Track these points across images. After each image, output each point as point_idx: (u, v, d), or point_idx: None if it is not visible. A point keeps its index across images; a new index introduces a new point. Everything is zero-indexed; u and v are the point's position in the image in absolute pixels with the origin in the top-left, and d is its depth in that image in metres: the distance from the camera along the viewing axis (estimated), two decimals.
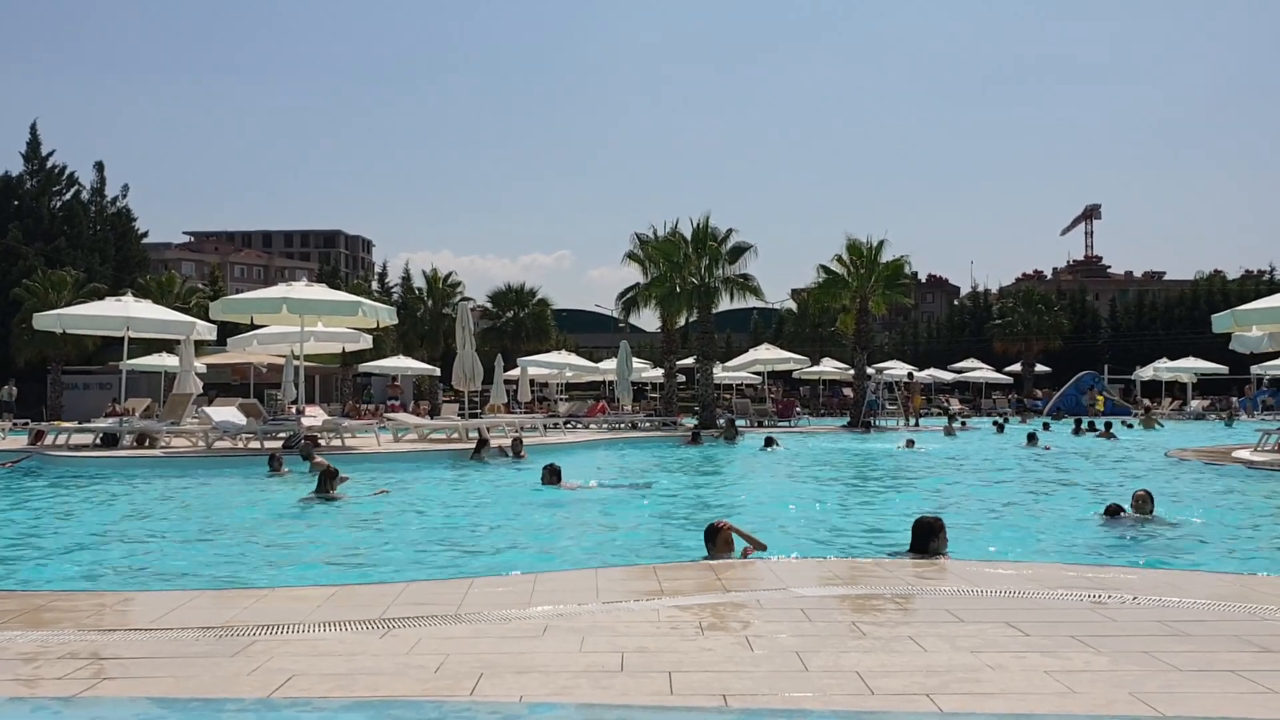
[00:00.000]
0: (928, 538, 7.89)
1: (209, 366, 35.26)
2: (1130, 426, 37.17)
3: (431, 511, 13.13)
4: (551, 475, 14.95)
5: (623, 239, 78.32)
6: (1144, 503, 11.30)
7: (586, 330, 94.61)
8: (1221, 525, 11.59)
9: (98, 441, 22.15)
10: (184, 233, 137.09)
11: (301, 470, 16.86)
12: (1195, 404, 52.62)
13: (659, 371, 42.03)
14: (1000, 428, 33.97)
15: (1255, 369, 46.97)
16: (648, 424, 33.71)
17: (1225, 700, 4.01)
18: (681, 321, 38.88)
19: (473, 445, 20.16)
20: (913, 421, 39.34)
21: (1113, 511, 11.26)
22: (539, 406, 42.75)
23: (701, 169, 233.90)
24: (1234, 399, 53.46)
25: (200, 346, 30.55)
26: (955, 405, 54.49)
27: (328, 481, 13.77)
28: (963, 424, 38.78)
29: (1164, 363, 53.56)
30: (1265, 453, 19.53)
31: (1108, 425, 34.53)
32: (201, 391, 27.03)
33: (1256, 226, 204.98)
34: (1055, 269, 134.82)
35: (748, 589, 6.45)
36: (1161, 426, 37.62)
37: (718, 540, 8.04)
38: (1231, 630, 5.15)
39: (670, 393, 37.71)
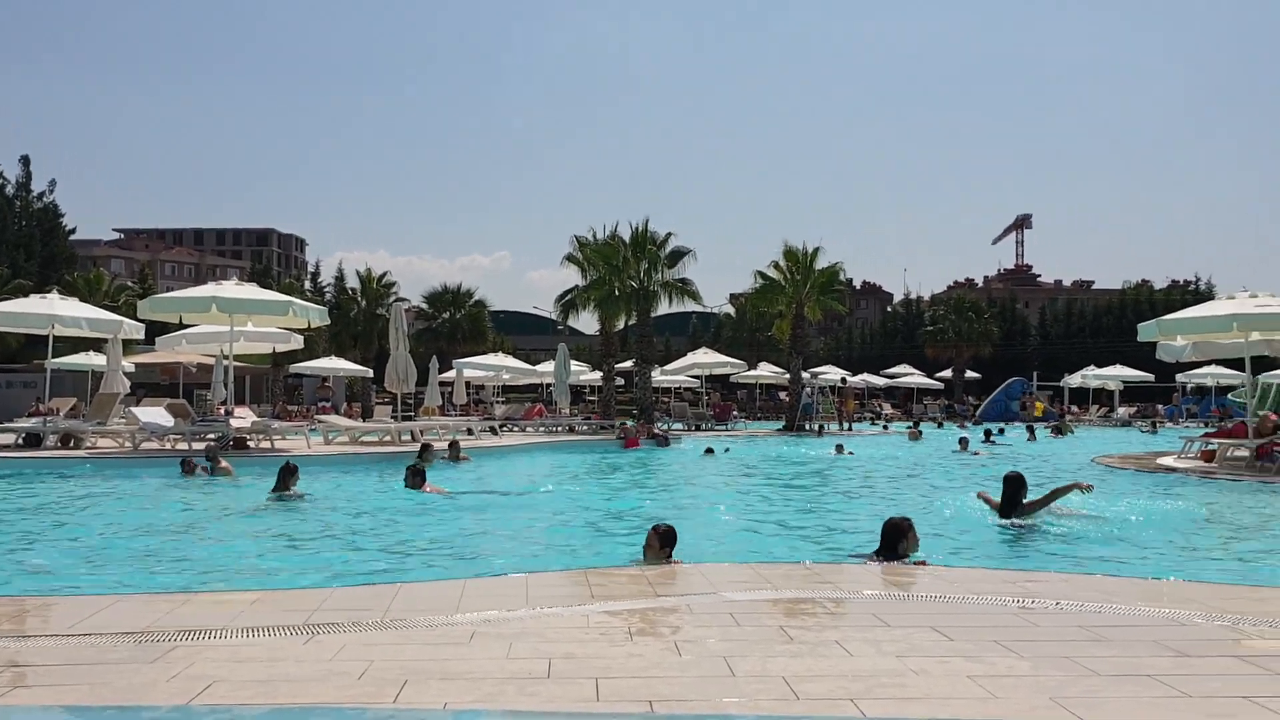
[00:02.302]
0: (896, 539, 8.07)
1: (137, 366, 34.64)
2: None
3: (363, 516, 12.96)
4: (415, 477, 14.44)
5: (563, 241, 78.19)
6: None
7: (525, 332, 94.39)
8: (1144, 531, 11.81)
9: (20, 442, 21.63)
10: (114, 230, 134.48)
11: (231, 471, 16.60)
12: (1122, 411, 53.74)
13: (597, 374, 42.04)
14: (885, 426, 34.40)
15: (1180, 377, 48.03)
16: (585, 427, 33.67)
17: (1143, 705, 4.07)
18: (620, 324, 38.93)
19: (398, 447, 19.99)
20: (846, 426, 39.83)
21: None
22: (475, 409, 42.48)
23: (642, 172, 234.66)
24: (1160, 406, 54.67)
25: (128, 345, 29.91)
26: (887, 410, 55.22)
27: (287, 479, 13.67)
28: (886, 426, 40.38)
29: (1092, 370, 54.60)
30: (1188, 459, 20.00)
31: (1029, 429, 35.64)
32: (129, 391, 26.55)
33: (1183, 238, 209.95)
34: (986, 277, 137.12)
35: (678, 594, 6.45)
36: (1073, 433, 38.37)
37: (652, 543, 8.05)
38: (1151, 635, 5.24)
39: (609, 396, 37.74)
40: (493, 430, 30.65)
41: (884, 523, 8.41)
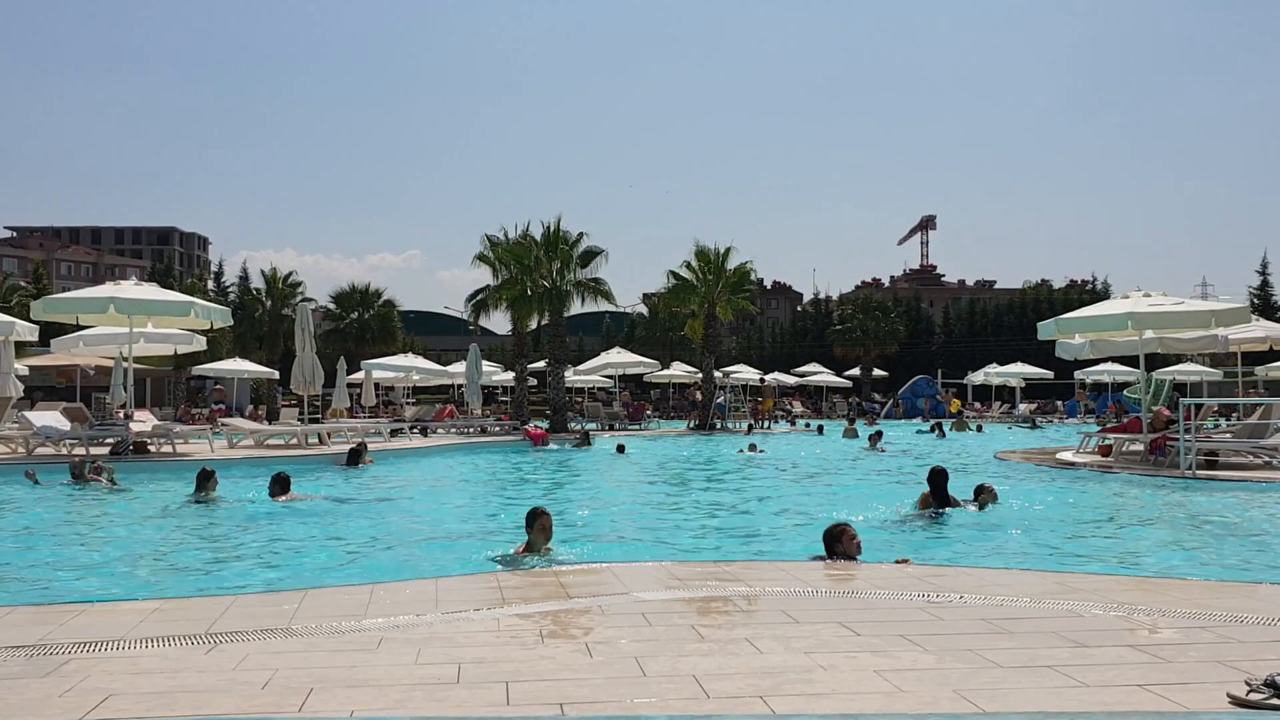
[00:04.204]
0: (831, 544, 8.14)
1: (31, 369, 33.53)
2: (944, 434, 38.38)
3: (268, 521, 12.70)
4: (279, 486, 13.93)
5: (475, 239, 77.60)
6: (985, 495, 12.47)
7: (436, 333, 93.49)
8: (1043, 524, 12.13)
9: None
10: (6, 227, 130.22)
11: (130, 476, 16.16)
12: (1023, 407, 55.12)
13: (510, 375, 41.83)
14: (792, 423, 35.48)
15: (1078, 374, 49.42)
16: (497, 428, 33.47)
17: (1042, 694, 4.18)
18: (533, 324, 38.80)
19: (304, 450, 19.66)
20: (765, 424, 40.40)
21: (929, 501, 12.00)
22: (384, 411, 41.96)
23: (554, 171, 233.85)
24: (1059, 403, 56.25)
25: (21, 348, 28.95)
26: (798, 408, 55.97)
27: (205, 483, 13.59)
28: (793, 423, 41.85)
29: (994, 368, 55.92)
30: (1086, 454, 20.57)
31: (938, 425, 36.44)
32: (23, 395, 25.66)
33: (1081, 238, 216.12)
34: (893, 277, 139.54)
35: (590, 595, 6.44)
36: (969, 429, 39.25)
37: (534, 526, 8.16)
38: (1051, 627, 5.38)
39: (521, 396, 37.55)
40: (423, 431, 30.41)
41: (823, 531, 8.48)
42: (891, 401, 55.05)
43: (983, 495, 12.76)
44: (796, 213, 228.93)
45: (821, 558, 8.23)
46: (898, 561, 8.04)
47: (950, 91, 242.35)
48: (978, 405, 56.80)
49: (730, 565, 8.02)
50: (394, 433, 29.16)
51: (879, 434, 28.29)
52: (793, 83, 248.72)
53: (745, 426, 38.22)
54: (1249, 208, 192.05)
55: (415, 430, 31.08)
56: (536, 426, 31.55)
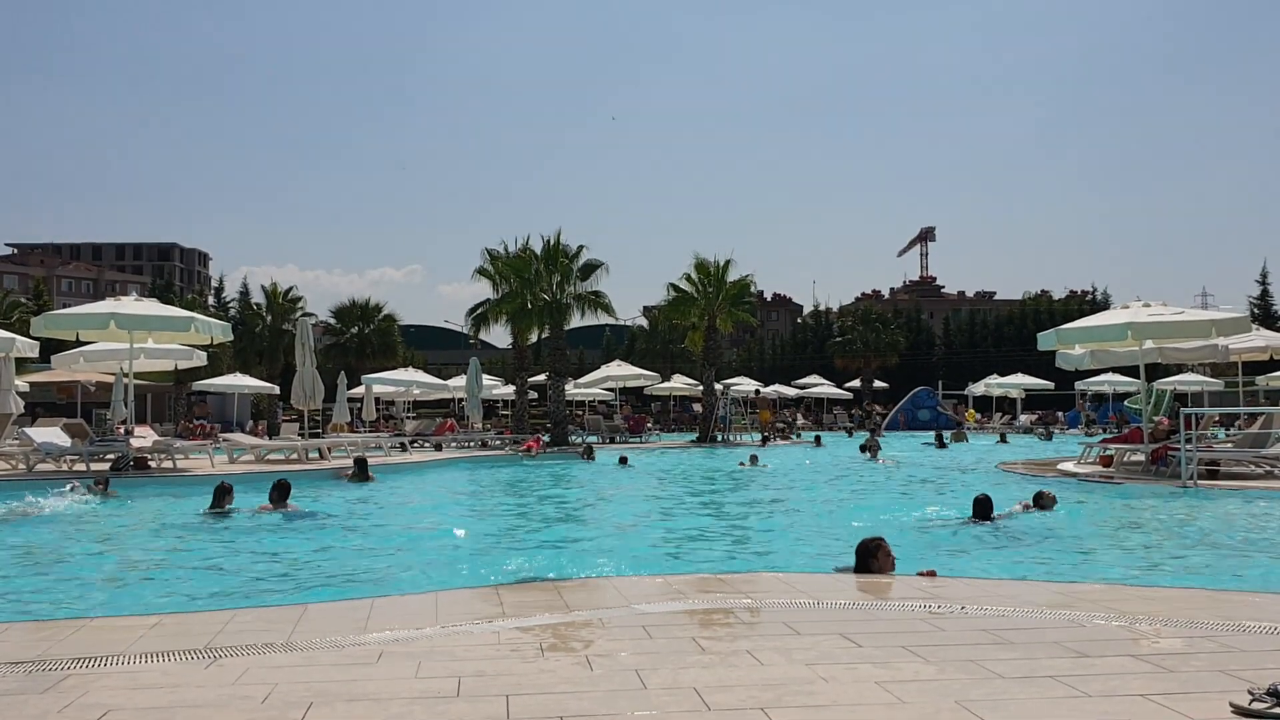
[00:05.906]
0: (866, 559, 8.01)
1: (32, 385, 33.56)
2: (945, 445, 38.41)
3: (267, 536, 12.68)
4: (278, 493, 13.95)
5: (475, 254, 77.69)
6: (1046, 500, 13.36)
7: (437, 347, 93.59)
8: (1045, 535, 12.11)
9: None
10: (6, 244, 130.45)
11: (131, 491, 16.14)
12: (1024, 418, 55.08)
13: (510, 388, 41.83)
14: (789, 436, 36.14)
15: (1079, 384, 49.41)
16: (498, 442, 33.42)
17: (1044, 705, 4.16)
18: (533, 338, 38.82)
19: (305, 465, 19.65)
20: (769, 436, 40.42)
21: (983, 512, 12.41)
22: (385, 425, 41.93)
23: (554, 184, 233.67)
24: (1059, 413, 56.22)
25: (22, 364, 28.97)
26: (800, 420, 55.95)
27: (222, 497, 13.76)
28: (789, 435, 42.79)
29: (994, 378, 55.90)
30: (1087, 465, 20.56)
31: (939, 436, 36.40)
32: (23, 411, 25.67)
33: (1080, 249, 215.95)
34: (893, 289, 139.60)
35: (591, 608, 6.43)
36: (967, 440, 39.25)
37: None
38: (1053, 638, 5.36)
39: (522, 410, 37.53)
40: (436, 446, 30.44)
41: (857, 544, 8.36)
42: (925, 411, 54.85)
43: (1042, 501, 13.43)
44: (796, 225, 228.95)
45: (849, 569, 8.14)
46: (924, 573, 7.97)
47: (948, 102, 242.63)
48: (980, 417, 56.80)
49: (731, 577, 8.00)
50: (402, 447, 29.15)
51: (876, 446, 28.40)
52: (792, 94, 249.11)
53: (759, 439, 38.28)
54: (1249, 217, 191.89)
55: (415, 444, 31.03)
56: (531, 438, 31.72)
